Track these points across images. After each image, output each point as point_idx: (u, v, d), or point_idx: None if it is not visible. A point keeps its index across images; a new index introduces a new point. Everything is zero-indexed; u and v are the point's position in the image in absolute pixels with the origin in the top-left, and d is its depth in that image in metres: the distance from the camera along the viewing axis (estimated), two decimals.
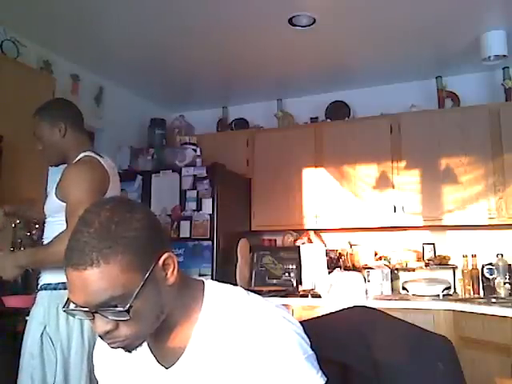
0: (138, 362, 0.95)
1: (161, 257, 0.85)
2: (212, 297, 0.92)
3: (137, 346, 0.86)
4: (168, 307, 0.87)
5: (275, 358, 0.85)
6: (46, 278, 1.84)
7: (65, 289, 1.75)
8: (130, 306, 0.79)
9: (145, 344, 0.92)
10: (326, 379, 0.87)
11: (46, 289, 1.83)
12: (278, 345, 0.85)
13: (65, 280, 1.81)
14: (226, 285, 0.96)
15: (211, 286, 0.95)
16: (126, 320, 0.80)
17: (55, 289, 1.80)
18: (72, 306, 0.84)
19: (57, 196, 1.85)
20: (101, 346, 1.04)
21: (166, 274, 0.86)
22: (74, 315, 0.86)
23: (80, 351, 1.76)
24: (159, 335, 0.90)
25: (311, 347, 0.89)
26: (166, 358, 0.92)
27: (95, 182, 1.81)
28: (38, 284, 1.90)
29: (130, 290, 0.80)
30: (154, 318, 0.85)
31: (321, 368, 0.88)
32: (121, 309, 0.79)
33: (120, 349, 0.86)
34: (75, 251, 0.80)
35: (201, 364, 0.88)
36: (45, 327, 1.76)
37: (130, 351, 0.87)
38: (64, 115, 1.95)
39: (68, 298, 0.84)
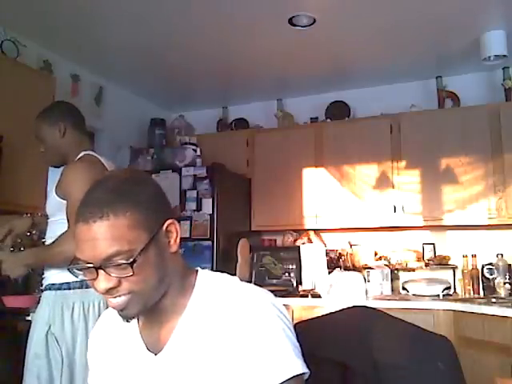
0: (129, 348, 0.96)
1: (165, 223, 0.89)
2: (203, 285, 0.94)
3: (136, 312, 0.88)
4: (169, 278, 0.90)
5: (259, 342, 0.85)
6: (51, 278, 1.86)
7: (69, 289, 1.80)
8: (134, 261, 0.82)
9: (136, 330, 0.95)
10: (308, 372, 0.86)
11: (50, 289, 1.84)
12: (261, 330, 0.85)
13: (69, 280, 1.83)
14: (220, 274, 0.98)
15: (204, 274, 0.97)
16: (129, 276, 0.83)
17: (59, 289, 1.82)
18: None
19: (57, 194, 1.86)
20: (98, 330, 1.06)
21: (169, 242, 0.90)
22: (77, 274, 0.88)
23: (85, 351, 1.75)
24: (150, 320, 0.93)
25: (299, 343, 0.88)
26: (155, 344, 0.93)
27: (95, 178, 1.81)
28: (41, 284, 1.92)
29: (135, 247, 0.83)
30: (155, 280, 0.87)
31: (305, 361, 0.87)
32: (124, 262, 0.82)
33: (119, 314, 0.88)
34: (87, 206, 0.85)
35: (186, 350, 0.89)
36: (50, 327, 1.77)
37: (128, 320, 0.89)
38: (63, 116, 1.96)
39: (73, 259, 0.86)
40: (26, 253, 1.88)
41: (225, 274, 0.97)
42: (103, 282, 0.83)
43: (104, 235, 0.82)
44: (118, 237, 0.82)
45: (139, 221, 0.84)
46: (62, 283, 1.81)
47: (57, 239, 1.79)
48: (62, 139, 1.94)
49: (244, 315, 0.87)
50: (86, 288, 1.78)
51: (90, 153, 1.94)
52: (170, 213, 0.93)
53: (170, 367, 0.90)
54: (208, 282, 0.95)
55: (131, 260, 0.82)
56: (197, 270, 0.98)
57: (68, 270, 0.87)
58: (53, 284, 1.84)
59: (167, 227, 0.89)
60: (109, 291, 0.84)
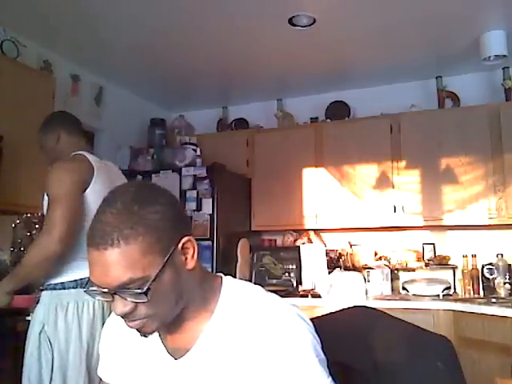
0: (147, 349, 0.95)
1: (180, 240, 0.85)
2: (229, 292, 0.92)
3: (153, 330, 0.87)
4: (187, 294, 0.87)
5: (288, 357, 0.83)
6: (46, 279, 1.88)
7: (63, 289, 1.82)
8: (148, 289, 0.79)
9: (156, 333, 0.92)
10: None
11: (46, 289, 1.86)
12: (291, 344, 0.84)
13: (63, 280, 1.87)
14: (244, 282, 0.96)
15: (229, 282, 0.95)
16: (145, 302, 0.81)
17: (55, 289, 1.84)
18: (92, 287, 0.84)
19: (47, 194, 1.89)
20: (113, 324, 1.03)
21: (186, 259, 0.86)
22: (94, 296, 0.85)
23: (78, 352, 1.78)
24: (173, 325, 0.90)
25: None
26: (177, 348, 0.92)
27: (75, 175, 1.86)
28: (42, 284, 1.95)
29: (149, 273, 0.80)
30: (172, 301, 0.85)
31: (330, 374, 0.86)
32: (139, 291, 0.79)
33: (136, 331, 0.86)
34: (96, 231, 0.81)
35: (211, 357, 0.88)
36: (43, 326, 1.78)
37: (145, 335, 0.87)
38: (57, 123, 2.07)
39: (89, 279, 0.84)
40: (4, 280, 1.87)
41: (249, 283, 0.96)
42: (119, 306, 0.82)
43: (116, 263, 0.78)
44: (130, 264, 0.78)
45: (152, 245, 0.80)
46: (57, 283, 1.84)
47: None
48: (57, 145, 2.04)
49: (272, 328, 0.85)
50: (81, 288, 1.80)
51: (80, 152, 1.98)
52: (185, 228, 0.88)
53: (192, 373, 0.89)
54: (234, 290, 0.92)
55: (145, 288, 0.79)
56: (220, 277, 0.96)
57: (85, 292, 0.85)
58: (48, 284, 1.86)
59: (183, 245, 0.85)
60: (126, 315, 0.83)
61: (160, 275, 0.81)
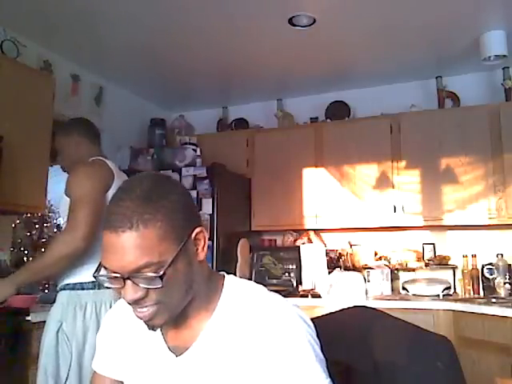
0: (148, 345, 0.95)
1: (193, 231, 0.87)
2: (231, 291, 0.93)
3: (162, 323, 0.87)
4: (196, 286, 0.88)
5: (286, 357, 0.84)
6: (65, 279, 1.92)
7: (82, 289, 1.87)
8: (164, 273, 0.80)
9: (158, 329, 0.92)
10: None
11: (64, 289, 1.91)
12: (290, 344, 0.85)
13: (82, 280, 1.89)
14: (246, 281, 0.97)
15: (231, 280, 0.95)
16: (158, 288, 0.81)
17: (73, 289, 1.88)
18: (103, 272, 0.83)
19: (66, 195, 1.93)
20: (115, 317, 1.03)
21: (197, 250, 0.88)
22: (103, 282, 0.85)
23: (94, 347, 1.80)
24: (176, 321, 0.90)
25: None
26: (177, 346, 0.92)
27: (96, 178, 1.91)
28: (57, 285, 1.99)
29: (165, 258, 0.81)
30: (183, 291, 0.86)
31: (330, 376, 0.86)
32: (155, 274, 0.80)
33: (145, 323, 0.86)
34: (115, 214, 0.81)
35: (211, 356, 0.88)
36: (61, 324, 1.82)
37: (154, 328, 0.87)
38: (76, 129, 2.14)
39: (99, 265, 0.84)
40: (16, 272, 1.89)
41: (252, 282, 0.96)
42: (131, 292, 0.82)
43: (133, 246, 0.79)
44: (147, 249, 0.79)
45: (169, 231, 0.82)
46: (76, 283, 1.88)
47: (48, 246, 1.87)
48: (75, 150, 2.10)
49: (271, 328, 0.86)
50: (99, 289, 1.85)
51: (98, 157, 2.06)
52: (197, 220, 0.91)
53: (192, 370, 0.89)
54: (236, 288, 0.93)
55: (161, 273, 0.80)
56: (223, 276, 0.97)
57: (94, 277, 0.85)
58: (67, 284, 1.90)
59: (196, 235, 0.87)
60: (136, 302, 0.83)
61: (174, 262, 0.81)
